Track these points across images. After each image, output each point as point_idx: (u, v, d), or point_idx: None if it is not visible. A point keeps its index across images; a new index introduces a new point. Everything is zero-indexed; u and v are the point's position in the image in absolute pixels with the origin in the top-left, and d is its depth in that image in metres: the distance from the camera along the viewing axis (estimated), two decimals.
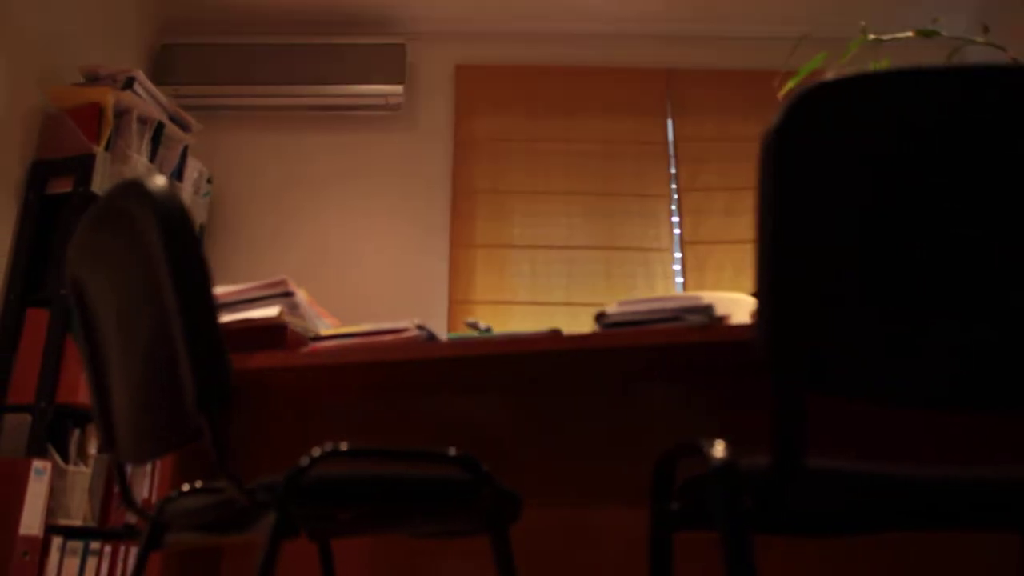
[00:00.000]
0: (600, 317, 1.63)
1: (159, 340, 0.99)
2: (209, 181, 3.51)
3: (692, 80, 3.93)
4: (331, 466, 0.97)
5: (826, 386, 0.85)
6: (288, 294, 1.75)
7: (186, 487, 1.29)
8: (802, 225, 0.85)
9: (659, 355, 1.62)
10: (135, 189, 0.98)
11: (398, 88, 3.67)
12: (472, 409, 1.84)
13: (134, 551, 2.83)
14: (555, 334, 1.64)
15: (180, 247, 0.94)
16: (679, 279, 3.69)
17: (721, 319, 1.61)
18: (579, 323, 3.51)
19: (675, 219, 3.74)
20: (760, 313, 0.85)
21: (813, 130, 0.85)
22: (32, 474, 2.36)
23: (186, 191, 3.28)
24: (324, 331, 1.78)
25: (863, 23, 2.20)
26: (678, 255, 3.70)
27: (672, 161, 3.82)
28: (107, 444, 1.24)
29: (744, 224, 3.72)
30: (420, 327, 1.74)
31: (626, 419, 1.78)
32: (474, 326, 1.89)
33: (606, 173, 3.78)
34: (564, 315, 3.54)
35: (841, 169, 0.86)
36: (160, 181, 0.98)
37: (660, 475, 1.15)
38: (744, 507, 0.87)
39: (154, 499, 2.99)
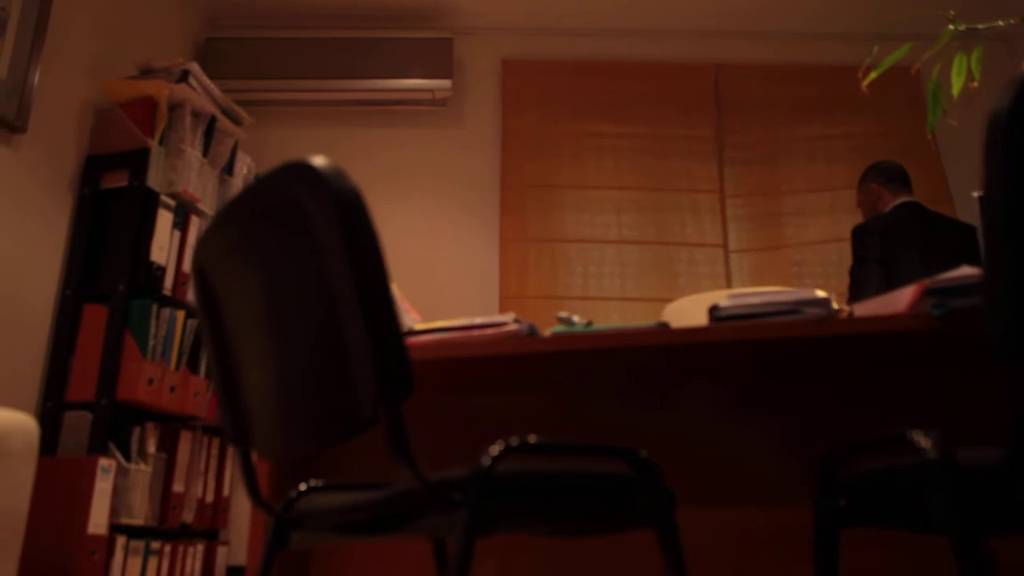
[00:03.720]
0: (713, 310, 1.58)
1: (326, 332, 0.95)
2: (256, 177, 3.46)
3: (740, 75, 3.88)
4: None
5: None
6: None
7: (303, 486, 1.24)
8: None
9: (775, 349, 1.58)
10: (304, 173, 0.93)
11: (446, 83, 3.62)
12: (576, 404, 1.80)
13: (193, 551, 2.78)
14: (664, 328, 1.60)
15: (358, 234, 0.89)
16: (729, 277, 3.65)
17: (839, 312, 1.57)
18: (633, 318, 3.46)
19: (727, 212, 3.69)
20: (993, 299, 0.80)
21: None
22: (99, 472, 2.32)
23: (236, 187, 3.23)
24: (417, 326, 1.74)
25: (952, 13, 2.15)
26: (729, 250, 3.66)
27: (722, 158, 3.77)
28: (236, 438, 1.20)
29: (795, 223, 3.68)
30: (518, 321, 1.70)
31: (738, 413, 1.74)
32: (567, 320, 1.84)
33: (655, 168, 3.74)
34: (617, 310, 3.49)
35: None
36: (330, 163, 0.93)
37: (826, 470, 1.11)
38: (970, 505, 0.82)
39: (209, 499, 2.94)
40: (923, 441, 0.86)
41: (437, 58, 3.67)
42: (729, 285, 3.65)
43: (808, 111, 3.86)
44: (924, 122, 3.88)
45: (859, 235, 2.77)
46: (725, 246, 3.65)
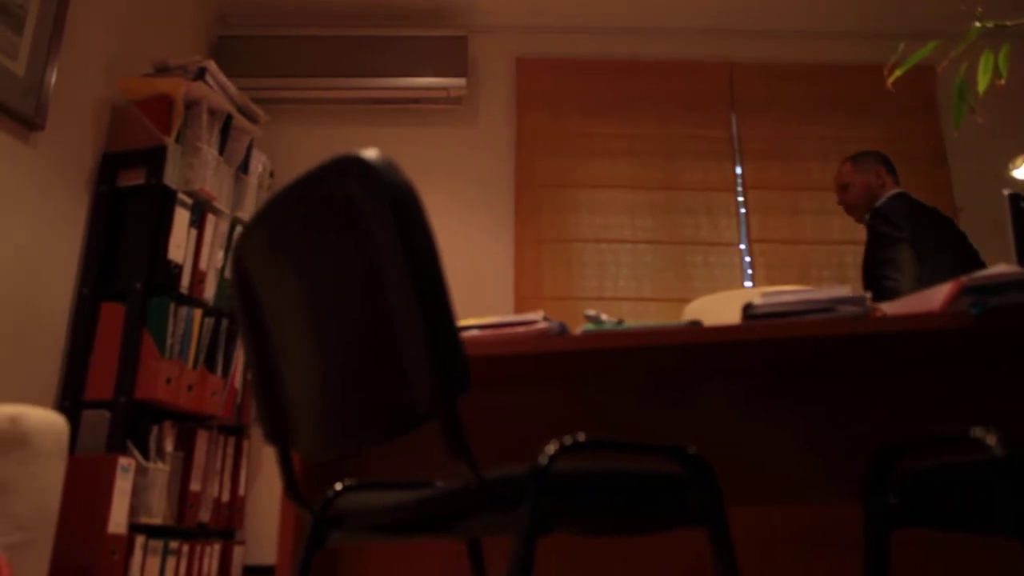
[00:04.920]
0: (747, 308, 1.57)
1: (376, 328, 0.94)
2: (271, 175, 3.45)
3: (755, 74, 3.87)
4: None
5: None
6: None
7: (338, 485, 1.23)
8: None
9: (810, 347, 1.57)
10: (356, 166, 0.92)
11: (461, 81, 3.61)
12: (602, 402, 1.79)
13: (210, 551, 2.77)
14: (696, 326, 1.59)
15: (413, 228, 0.88)
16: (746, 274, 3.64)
17: (876, 310, 1.56)
18: (649, 319, 3.44)
19: (742, 212, 3.69)
20: None
21: None
22: (118, 471, 2.31)
23: (251, 185, 3.22)
24: None
25: (979, 9, 2.14)
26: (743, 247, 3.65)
27: (737, 157, 3.76)
28: (275, 437, 1.18)
29: (810, 223, 3.66)
30: (547, 319, 1.69)
31: (761, 411, 1.73)
32: (595, 318, 1.83)
33: (669, 168, 3.73)
34: (633, 310, 3.48)
35: None
36: (382, 156, 0.92)
37: (877, 468, 1.09)
38: None
39: (225, 498, 2.93)
40: (989, 439, 0.84)
41: (451, 56, 3.65)
42: (744, 284, 3.64)
43: (823, 111, 3.84)
44: (937, 123, 3.87)
45: (888, 217, 2.75)
46: (740, 245, 3.64)
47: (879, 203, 2.85)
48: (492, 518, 0.92)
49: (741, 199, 3.71)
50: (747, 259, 3.63)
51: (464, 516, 0.96)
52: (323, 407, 1.05)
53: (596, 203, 3.66)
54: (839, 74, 3.89)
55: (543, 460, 0.88)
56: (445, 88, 3.65)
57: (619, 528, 1.02)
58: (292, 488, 1.20)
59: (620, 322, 1.76)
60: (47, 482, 1.40)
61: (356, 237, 0.95)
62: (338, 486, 1.23)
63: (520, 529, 0.83)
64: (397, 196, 0.90)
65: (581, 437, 0.93)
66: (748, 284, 3.58)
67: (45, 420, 1.44)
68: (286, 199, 1.06)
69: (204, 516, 2.77)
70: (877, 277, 2.67)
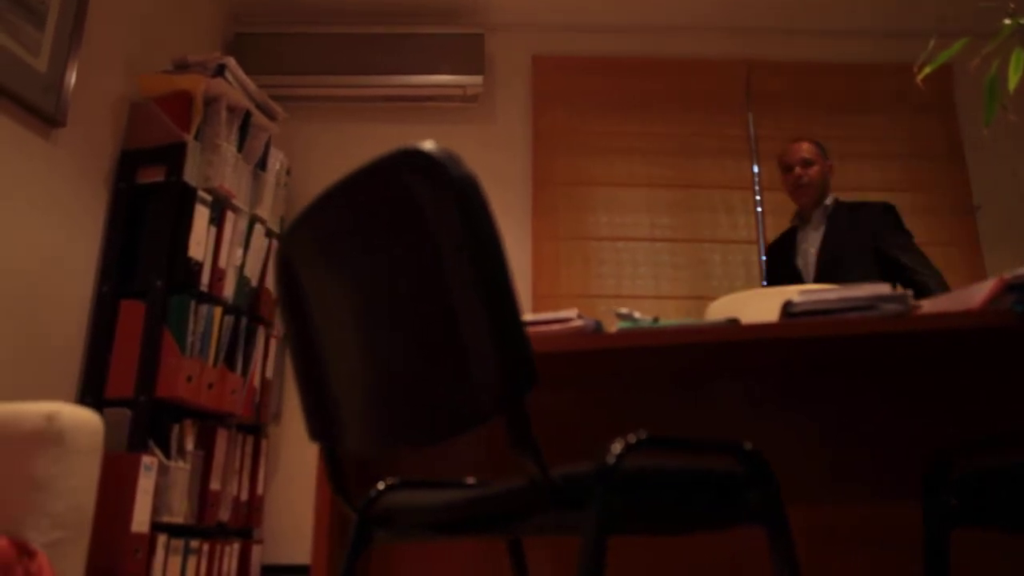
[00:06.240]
0: (787, 306, 1.55)
1: (436, 324, 0.92)
2: (288, 173, 3.44)
3: (772, 73, 3.85)
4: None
5: None
6: None
7: (381, 485, 1.22)
8: None
9: (851, 345, 1.55)
10: (418, 160, 0.90)
11: (477, 79, 3.60)
12: (640, 400, 1.77)
13: (229, 550, 2.76)
14: (735, 323, 1.57)
15: (478, 222, 0.87)
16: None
17: (918, 307, 1.54)
18: (667, 317, 3.43)
19: (759, 210, 3.67)
20: None
21: None
22: (141, 470, 2.30)
23: (269, 183, 3.21)
24: None
25: (1012, 5, 2.12)
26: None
27: (754, 155, 3.74)
28: (320, 433, 1.17)
29: None
30: (581, 317, 1.68)
31: (811, 411, 1.71)
32: (628, 316, 1.82)
33: (687, 166, 3.71)
34: (651, 309, 3.46)
35: None
36: (443, 149, 0.91)
37: (937, 468, 1.08)
38: None
39: (243, 497, 2.92)
40: None
41: (468, 54, 3.64)
42: (762, 283, 3.62)
43: (840, 109, 3.82)
44: (955, 121, 3.85)
45: (899, 216, 2.75)
46: (759, 243, 3.62)
47: (874, 201, 2.81)
48: (555, 517, 0.90)
49: (759, 198, 3.69)
50: (764, 258, 3.61)
51: (525, 515, 0.94)
52: (376, 405, 1.04)
53: (613, 201, 3.64)
54: (855, 72, 3.88)
55: (610, 458, 0.87)
56: (462, 86, 3.63)
57: (679, 527, 1.00)
58: (339, 486, 1.19)
59: (656, 320, 1.75)
60: (83, 480, 1.38)
61: (415, 232, 0.93)
62: (380, 485, 1.22)
63: (590, 529, 0.82)
64: (461, 189, 0.88)
65: (642, 435, 0.92)
66: (766, 283, 3.56)
67: (80, 417, 1.43)
68: (338, 195, 1.04)
69: (224, 515, 2.76)
70: (912, 269, 2.60)
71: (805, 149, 2.82)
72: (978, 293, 1.53)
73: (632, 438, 0.90)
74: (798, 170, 2.80)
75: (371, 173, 0.99)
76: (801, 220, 2.85)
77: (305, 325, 1.18)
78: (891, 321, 1.48)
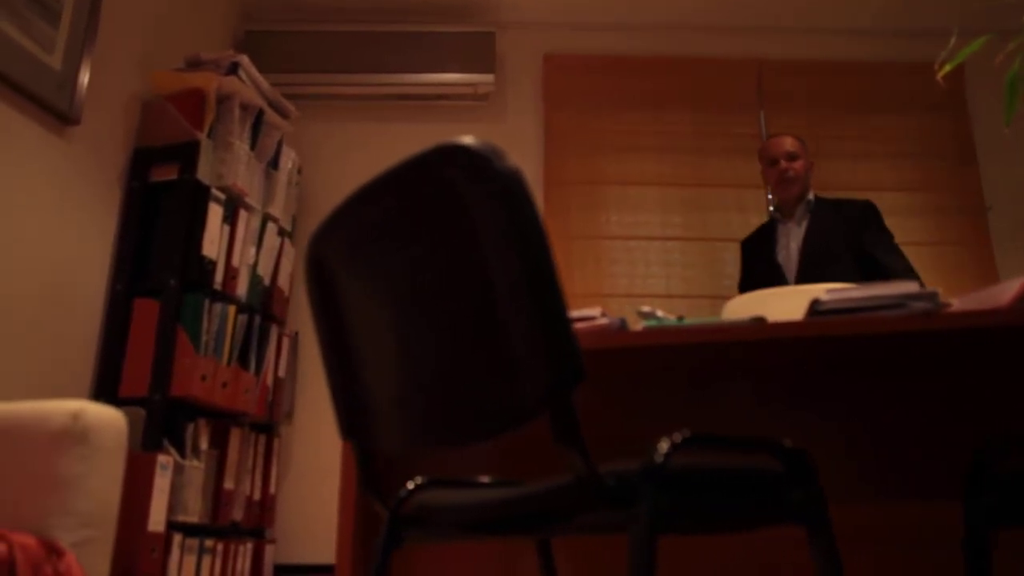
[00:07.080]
0: (815, 304, 1.54)
1: (479, 321, 0.91)
2: (299, 171, 3.43)
3: (783, 72, 3.84)
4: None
5: None
6: None
7: (410, 484, 1.21)
8: None
9: (880, 344, 1.54)
10: (461, 154, 0.89)
11: (489, 77, 3.59)
12: (661, 398, 1.76)
13: (243, 549, 2.75)
14: (760, 322, 1.56)
15: (524, 217, 0.86)
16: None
17: (947, 306, 1.53)
18: (681, 316, 3.42)
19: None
20: None
21: None
22: (157, 469, 2.29)
23: (281, 181, 3.20)
24: None
25: None
26: None
27: None
28: (353, 433, 1.16)
29: None
30: (605, 315, 1.67)
31: (839, 410, 1.70)
32: (650, 315, 1.81)
33: (699, 165, 3.70)
34: (663, 308, 3.45)
35: None
36: (486, 143, 0.90)
37: (977, 468, 1.07)
38: None
39: (256, 496, 2.91)
40: None
41: (479, 52, 3.63)
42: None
43: (851, 108, 3.81)
44: (966, 121, 3.84)
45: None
46: None
47: (856, 199, 2.79)
48: (600, 516, 0.89)
49: (770, 196, 3.68)
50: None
51: (567, 514, 0.93)
52: (414, 403, 1.03)
53: (625, 200, 3.63)
54: (867, 72, 3.87)
55: (658, 457, 0.86)
56: (472, 84, 3.62)
57: (723, 525, 0.99)
58: (372, 486, 1.18)
59: (681, 318, 1.74)
60: (108, 479, 1.37)
61: (457, 227, 0.92)
62: (410, 484, 1.21)
63: (640, 528, 0.81)
64: (506, 184, 0.87)
65: (687, 433, 0.91)
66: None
67: (105, 416, 1.42)
68: (373, 193, 1.03)
69: (237, 515, 2.75)
70: (891, 269, 2.58)
71: (789, 143, 2.79)
72: (1006, 292, 1.52)
73: (678, 436, 0.89)
74: (783, 163, 2.77)
75: (410, 169, 0.98)
76: (781, 215, 2.82)
77: (338, 324, 1.17)
78: (920, 319, 1.47)
